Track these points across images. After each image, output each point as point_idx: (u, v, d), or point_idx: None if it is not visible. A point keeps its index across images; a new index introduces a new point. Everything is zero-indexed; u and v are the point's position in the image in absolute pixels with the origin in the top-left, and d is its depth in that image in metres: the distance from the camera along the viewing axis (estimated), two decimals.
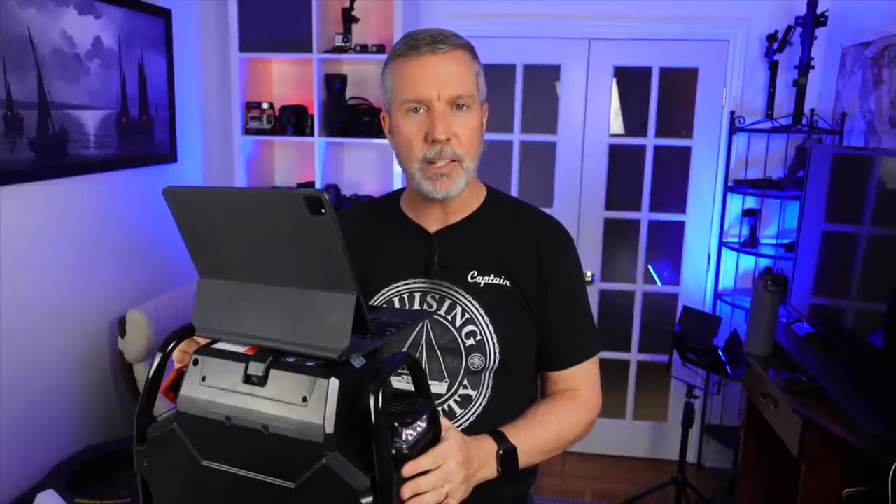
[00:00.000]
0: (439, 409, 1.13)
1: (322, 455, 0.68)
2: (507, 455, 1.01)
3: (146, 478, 0.80)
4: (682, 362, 2.76)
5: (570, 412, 1.16)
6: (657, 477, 3.02)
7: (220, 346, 0.77)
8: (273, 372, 0.72)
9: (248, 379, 0.72)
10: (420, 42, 1.09)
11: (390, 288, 1.18)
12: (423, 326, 1.15)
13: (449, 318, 1.14)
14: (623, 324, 3.33)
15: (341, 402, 0.69)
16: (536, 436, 1.08)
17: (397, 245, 1.21)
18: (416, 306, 1.16)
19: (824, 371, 2.05)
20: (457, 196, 1.15)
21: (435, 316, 1.15)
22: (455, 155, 1.10)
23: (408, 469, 0.78)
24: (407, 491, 0.78)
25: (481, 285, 1.16)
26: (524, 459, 1.04)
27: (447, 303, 1.15)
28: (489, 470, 0.99)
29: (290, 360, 0.72)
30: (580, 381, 1.20)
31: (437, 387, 1.13)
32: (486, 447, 1.00)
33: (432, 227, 1.20)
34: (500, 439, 1.02)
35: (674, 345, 2.77)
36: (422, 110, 1.10)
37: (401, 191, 1.28)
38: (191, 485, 0.77)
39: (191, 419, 0.75)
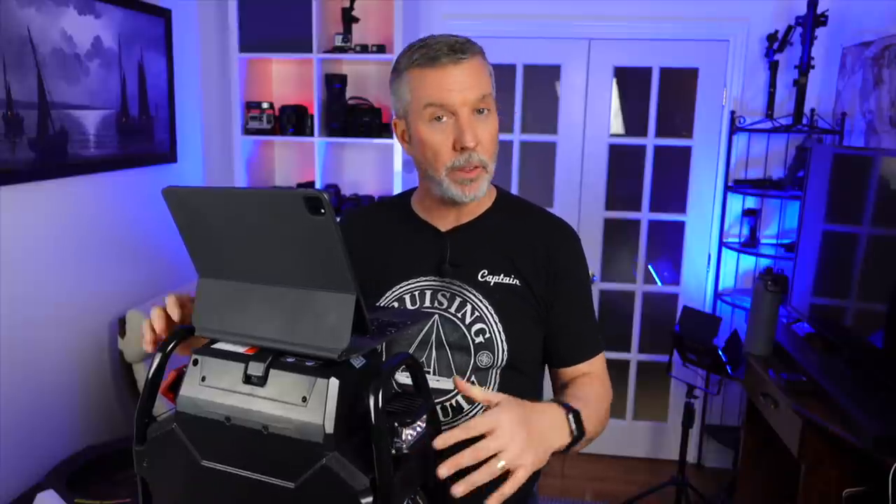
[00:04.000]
0: (447, 404, 1.14)
1: (322, 455, 0.68)
2: (576, 417, 0.97)
3: (146, 478, 0.80)
4: (682, 362, 2.75)
5: (595, 388, 1.19)
6: (657, 477, 3.02)
7: (219, 346, 0.77)
8: (273, 372, 0.72)
9: (247, 379, 0.72)
10: (439, 53, 1.08)
11: (402, 285, 1.19)
12: (433, 324, 1.16)
13: (459, 315, 1.16)
14: (623, 324, 3.33)
15: (341, 402, 0.69)
16: (585, 406, 1.03)
17: (410, 244, 1.23)
18: (427, 304, 1.17)
19: (824, 371, 2.04)
20: None
21: (445, 313, 1.16)
22: (481, 161, 1.11)
23: (440, 441, 0.76)
24: (444, 470, 0.75)
25: (491, 284, 1.17)
26: (586, 426, 0.99)
27: (457, 301, 1.17)
28: (562, 433, 0.94)
29: (290, 360, 0.72)
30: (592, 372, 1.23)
31: (445, 383, 1.15)
32: (551, 410, 0.96)
33: (444, 226, 1.22)
34: (563, 404, 0.98)
35: (674, 345, 2.77)
36: (445, 118, 1.10)
37: (412, 191, 1.29)
38: (191, 485, 0.77)
39: (191, 419, 0.75)
